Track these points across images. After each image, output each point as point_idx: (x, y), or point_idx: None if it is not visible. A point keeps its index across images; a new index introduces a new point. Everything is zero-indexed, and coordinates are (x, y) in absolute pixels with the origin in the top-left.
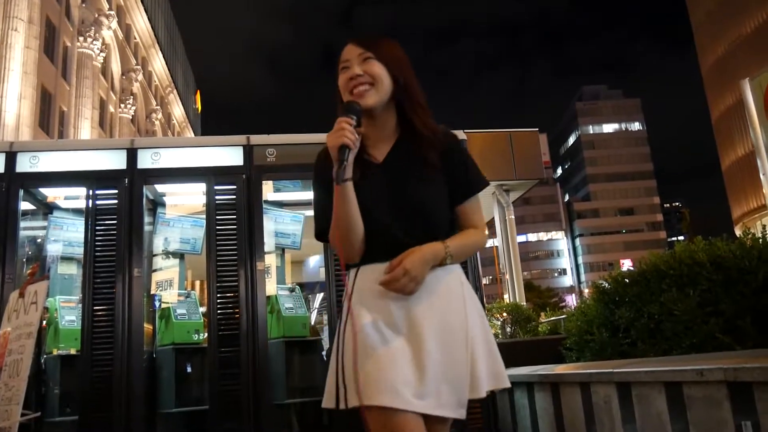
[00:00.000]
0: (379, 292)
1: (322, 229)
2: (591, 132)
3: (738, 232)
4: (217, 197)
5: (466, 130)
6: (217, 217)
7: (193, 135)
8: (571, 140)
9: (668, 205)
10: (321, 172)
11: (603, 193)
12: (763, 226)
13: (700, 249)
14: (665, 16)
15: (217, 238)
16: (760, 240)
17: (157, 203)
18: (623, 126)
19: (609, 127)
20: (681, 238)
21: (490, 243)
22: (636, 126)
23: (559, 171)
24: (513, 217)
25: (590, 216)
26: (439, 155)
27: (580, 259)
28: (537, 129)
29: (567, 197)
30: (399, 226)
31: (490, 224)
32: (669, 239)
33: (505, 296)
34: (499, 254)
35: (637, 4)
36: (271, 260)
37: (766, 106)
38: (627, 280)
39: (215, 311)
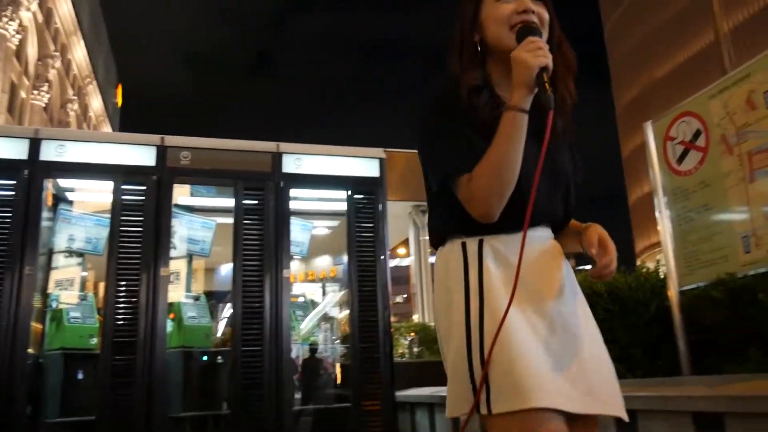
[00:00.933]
0: (524, 273)
1: (460, 166)
2: None
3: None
4: (124, 197)
5: (386, 149)
6: (123, 218)
7: (111, 130)
8: None
9: None
10: (455, 104)
11: None
12: (657, 261)
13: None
14: (588, 52)
15: (121, 239)
16: (654, 274)
17: (60, 198)
18: None
19: None
20: (588, 267)
21: (405, 261)
22: None
23: None
24: (427, 238)
25: None
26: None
27: None
28: None
29: None
30: (551, 193)
31: (406, 244)
32: (576, 267)
33: (415, 316)
34: (412, 274)
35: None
36: (179, 266)
37: (665, 149)
38: None
39: (112, 316)
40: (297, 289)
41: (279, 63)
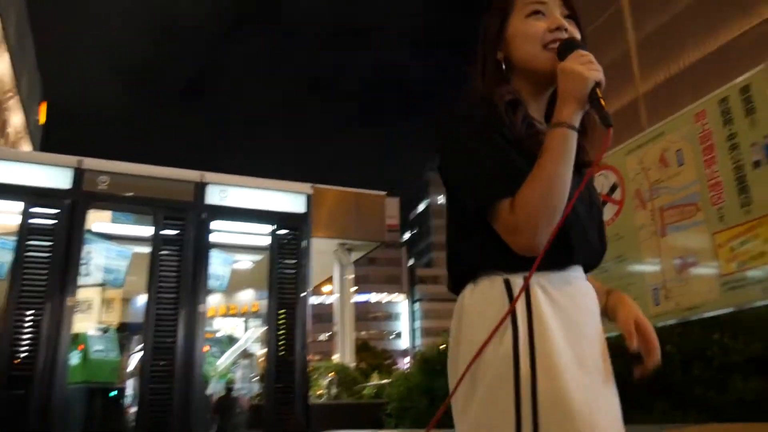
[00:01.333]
0: (572, 315)
1: (502, 189)
2: (440, 202)
3: None
4: (33, 220)
5: (315, 185)
6: (30, 242)
7: (31, 148)
8: (422, 207)
9: None
10: (490, 118)
11: (444, 261)
12: None
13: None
14: None
15: (26, 264)
16: None
17: None
18: None
19: None
20: None
21: (330, 299)
22: None
23: (407, 235)
24: (352, 276)
25: (431, 282)
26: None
27: (417, 324)
28: (385, 193)
29: (412, 261)
30: (591, 227)
31: (331, 281)
32: None
33: (335, 356)
34: (335, 312)
35: None
36: (91, 295)
37: None
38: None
39: (9, 347)
40: (218, 323)
41: (213, 87)
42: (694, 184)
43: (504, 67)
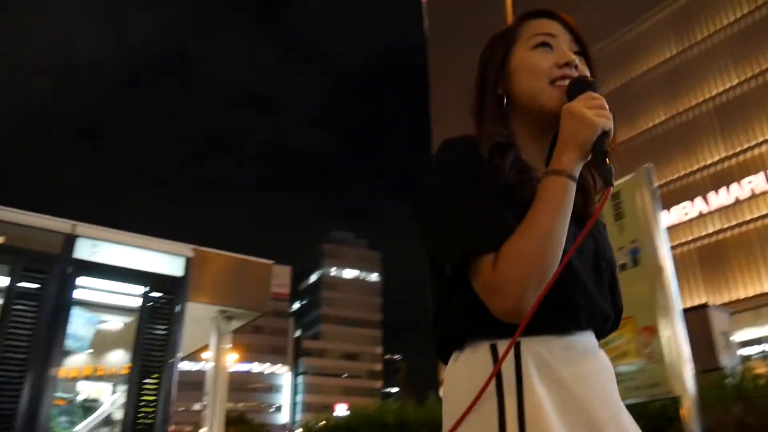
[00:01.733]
0: (577, 393)
1: (484, 243)
2: (333, 274)
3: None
4: None
5: (197, 247)
6: None
7: None
8: (314, 278)
9: (389, 356)
10: (473, 163)
11: (333, 334)
12: None
13: (389, 410)
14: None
15: None
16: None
17: None
18: (363, 275)
19: (350, 273)
20: (395, 389)
21: (201, 366)
22: (374, 277)
23: (297, 305)
24: (229, 346)
25: (317, 355)
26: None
27: (299, 398)
28: (272, 261)
29: (299, 333)
30: (599, 287)
31: (208, 348)
32: (384, 389)
33: (203, 430)
34: (206, 382)
35: (398, 165)
36: None
37: None
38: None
39: None
40: (82, 386)
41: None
42: None
43: (504, 102)
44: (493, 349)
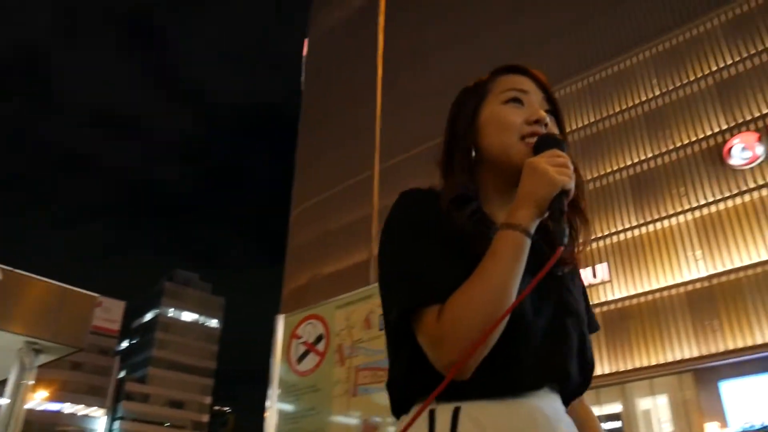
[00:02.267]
0: None
1: (428, 293)
2: (170, 315)
3: None
4: None
5: (10, 269)
6: None
7: None
8: (149, 317)
9: (218, 407)
10: (429, 214)
11: (161, 379)
12: None
13: None
14: (272, 231)
15: None
16: None
17: None
18: (202, 319)
19: (189, 316)
20: None
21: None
22: (214, 323)
23: (125, 344)
24: (32, 383)
25: (140, 400)
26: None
27: None
28: (97, 294)
29: (124, 374)
30: (557, 342)
31: (4, 383)
32: None
33: None
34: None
35: (255, 215)
36: None
37: (290, 345)
38: None
39: None
40: None
41: None
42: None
43: (473, 155)
44: (431, 416)
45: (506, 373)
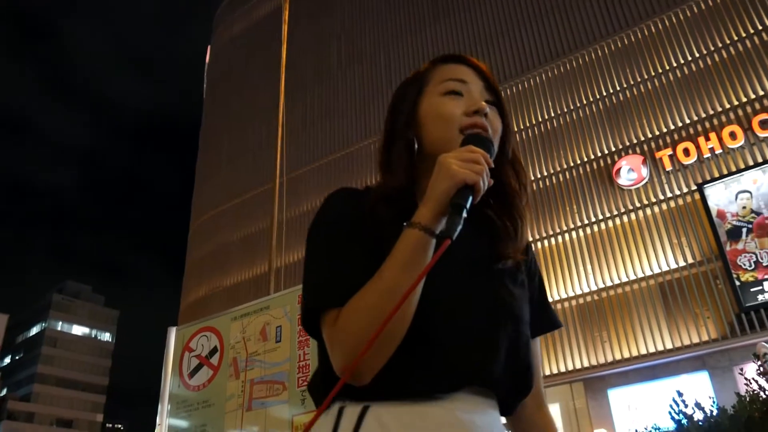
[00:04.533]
0: None
1: (328, 297)
2: (59, 328)
3: None
4: None
5: None
6: None
7: None
8: (35, 330)
9: (110, 425)
10: (350, 217)
11: (47, 397)
12: None
13: None
14: (171, 243)
15: None
16: None
17: None
18: (94, 333)
19: (79, 330)
20: None
21: None
22: (107, 336)
23: (7, 360)
24: None
25: (23, 419)
26: (525, 266)
27: None
28: None
29: (5, 391)
30: (480, 342)
31: None
32: None
33: None
34: None
35: (152, 225)
36: None
37: (182, 358)
38: None
39: None
40: None
41: None
42: (286, 362)
43: (415, 150)
44: (339, 413)
45: (415, 375)
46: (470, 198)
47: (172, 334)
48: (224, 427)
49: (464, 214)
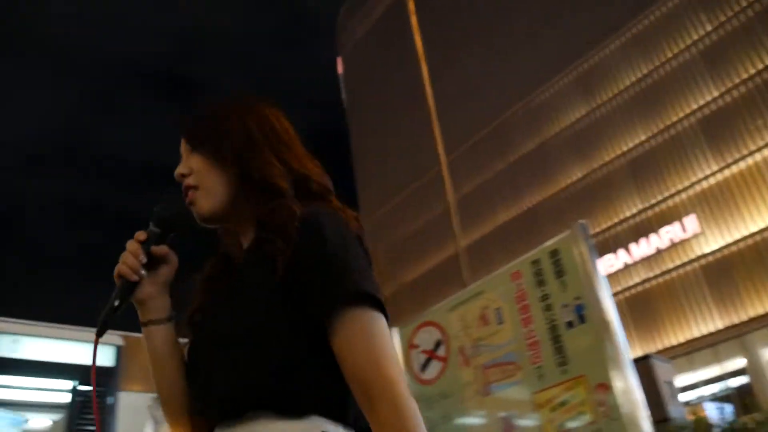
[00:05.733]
0: None
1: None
2: None
3: None
4: None
5: (127, 333)
6: None
7: None
8: None
9: None
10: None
11: None
12: None
13: None
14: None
15: None
16: None
17: None
18: None
19: None
20: None
21: None
22: None
23: None
24: None
25: None
26: (286, 259)
27: None
28: None
29: None
30: (195, 386)
31: None
32: None
33: None
34: None
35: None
36: None
37: (409, 356)
38: None
39: None
40: None
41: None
42: (512, 342)
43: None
44: None
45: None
46: (123, 289)
47: (395, 333)
48: (467, 415)
49: (121, 305)
